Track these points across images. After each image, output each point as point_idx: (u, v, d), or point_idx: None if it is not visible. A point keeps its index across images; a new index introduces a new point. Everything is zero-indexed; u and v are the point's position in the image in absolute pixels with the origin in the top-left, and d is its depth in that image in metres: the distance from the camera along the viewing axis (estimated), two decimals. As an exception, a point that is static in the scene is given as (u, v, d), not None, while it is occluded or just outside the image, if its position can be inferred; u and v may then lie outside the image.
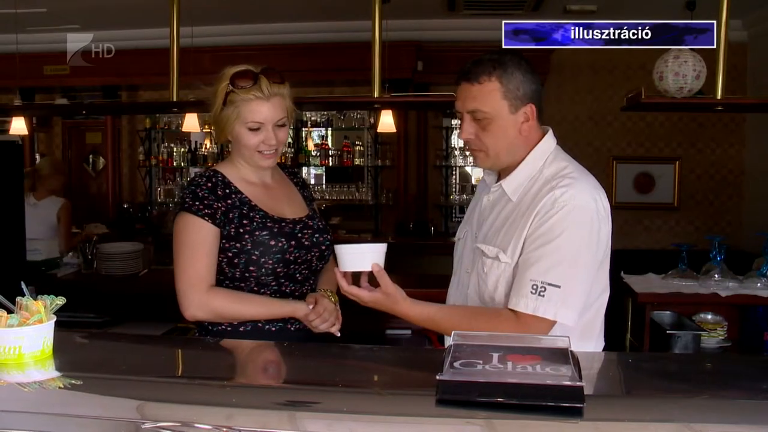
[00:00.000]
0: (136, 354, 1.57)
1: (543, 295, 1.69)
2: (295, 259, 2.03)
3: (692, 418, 1.20)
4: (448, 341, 1.35)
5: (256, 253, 1.99)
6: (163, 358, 1.59)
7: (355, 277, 1.83)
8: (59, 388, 1.30)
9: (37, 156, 7.67)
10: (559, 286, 1.69)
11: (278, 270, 2.01)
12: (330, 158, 7.13)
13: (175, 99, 3.94)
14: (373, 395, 1.32)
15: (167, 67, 3.93)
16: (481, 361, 1.21)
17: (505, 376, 1.15)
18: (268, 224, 2.02)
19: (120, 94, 7.16)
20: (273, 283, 2.01)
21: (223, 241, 2.00)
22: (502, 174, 1.93)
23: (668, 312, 3.64)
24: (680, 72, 3.45)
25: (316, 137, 7.35)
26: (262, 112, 1.98)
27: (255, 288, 2.01)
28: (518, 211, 1.83)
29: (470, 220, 2.04)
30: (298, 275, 2.07)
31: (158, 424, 1.09)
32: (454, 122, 6.96)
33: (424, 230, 6.66)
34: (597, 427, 1.13)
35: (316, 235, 2.10)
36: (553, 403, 1.11)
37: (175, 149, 7.42)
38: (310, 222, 2.12)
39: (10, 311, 1.36)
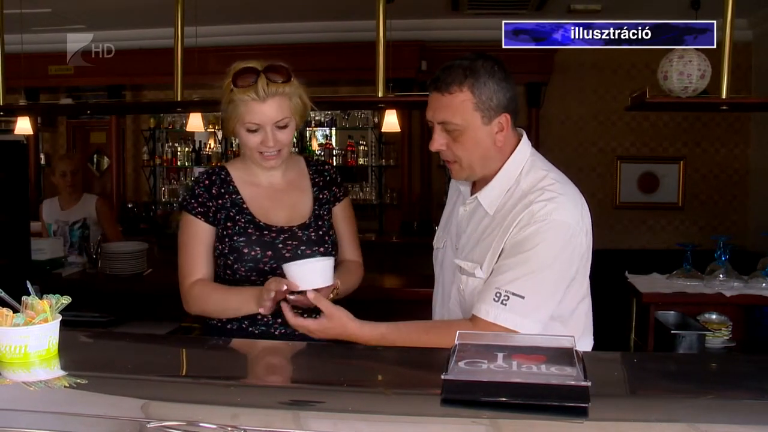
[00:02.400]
0: (141, 353, 1.57)
1: (505, 304, 1.64)
2: (272, 270, 1.96)
3: (698, 418, 1.20)
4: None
5: (231, 258, 1.99)
6: (168, 357, 1.59)
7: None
8: (65, 387, 1.31)
9: (42, 156, 7.69)
10: (523, 297, 1.64)
11: (252, 278, 1.97)
12: (334, 158, 7.13)
13: (179, 99, 3.94)
14: (378, 395, 1.32)
15: (171, 67, 3.93)
16: (485, 361, 1.21)
17: (510, 375, 1.14)
18: (249, 230, 2.00)
19: (124, 94, 7.17)
20: None
21: (216, 240, 2.03)
22: (477, 184, 1.86)
23: (673, 312, 3.63)
24: (685, 71, 3.44)
25: (320, 137, 7.35)
26: (258, 114, 1.93)
27: None
28: (494, 224, 1.76)
29: (448, 229, 1.98)
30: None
31: (164, 423, 1.09)
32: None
33: (428, 230, 6.65)
34: (602, 427, 1.13)
35: (302, 248, 2.01)
36: (558, 403, 1.10)
37: (179, 149, 7.44)
38: (299, 232, 2.03)
39: (15, 310, 1.37)
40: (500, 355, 1.23)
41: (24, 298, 1.37)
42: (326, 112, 7.09)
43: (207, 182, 2.06)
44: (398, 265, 4.69)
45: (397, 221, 6.83)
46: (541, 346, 1.32)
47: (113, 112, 7.06)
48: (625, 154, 6.72)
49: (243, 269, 1.98)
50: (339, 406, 1.21)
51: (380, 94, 3.75)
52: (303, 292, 1.71)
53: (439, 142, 1.79)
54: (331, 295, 1.82)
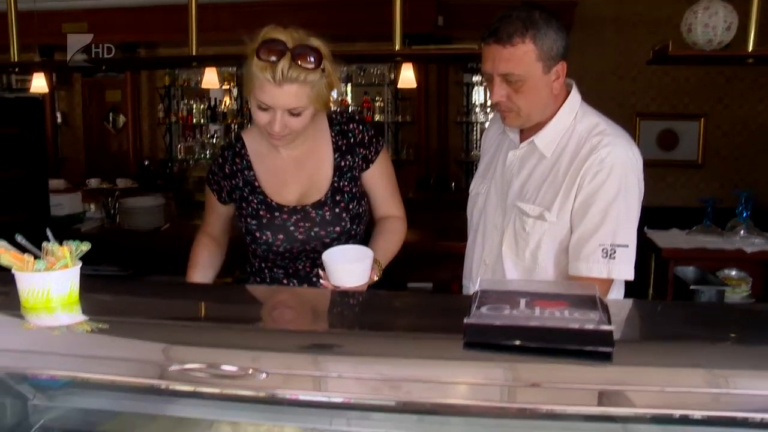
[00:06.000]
0: (161, 300, 1.57)
1: (614, 258, 1.72)
2: (287, 251, 1.96)
3: (718, 364, 1.18)
4: (473, 289, 1.34)
5: (248, 238, 2.00)
6: (188, 303, 1.59)
7: None
8: (87, 331, 1.31)
9: (58, 114, 7.71)
10: (627, 246, 1.73)
11: (271, 257, 1.98)
12: (350, 115, 7.08)
13: (194, 53, 3.90)
14: (400, 338, 1.31)
15: (186, 23, 3.89)
16: (508, 306, 1.19)
17: (533, 320, 1.13)
18: (261, 212, 1.96)
19: (139, 51, 7.13)
20: (278, 268, 2.02)
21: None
22: (526, 131, 1.91)
23: (692, 267, 3.60)
24: (710, 23, 3.35)
25: (335, 94, 7.29)
26: (270, 96, 1.76)
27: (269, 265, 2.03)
28: (558, 168, 1.82)
29: (489, 175, 2.02)
30: (299, 264, 2.00)
31: (185, 366, 1.09)
32: (475, 78, 6.88)
33: (445, 186, 6.64)
34: (625, 372, 1.11)
35: (315, 229, 1.95)
36: (582, 348, 1.09)
37: (194, 106, 7.43)
38: (312, 212, 1.95)
39: (36, 258, 1.37)
40: (523, 301, 1.21)
41: (44, 244, 1.37)
42: (341, 68, 7.01)
43: (220, 160, 2.04)
44: (414, 221, 4.66)
45: (413, 177, 6.81)
46: (563, 293, 1.31)
47: (128, 67, 7.05)
48: (645, 111, 6.63)
49: (260, 250, 1.99)
50: (359, 350, 1.21)
51: (397, 47, 3.71)
52: None
53: (499, 94, 1.81)
54: (375, 278, 1.83)
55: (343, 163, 1.99)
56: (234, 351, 1.19)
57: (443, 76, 6.90)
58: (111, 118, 7.77)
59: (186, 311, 1.53)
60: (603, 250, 1.73)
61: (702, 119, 6.61)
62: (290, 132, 1.84)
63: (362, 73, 7.11)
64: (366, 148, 2.02)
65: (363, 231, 2.06)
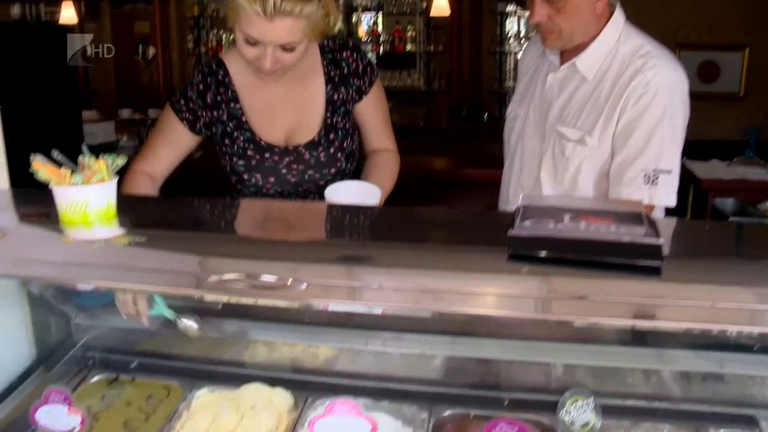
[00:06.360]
0: (198, 213, 1.56)
1: (656, 183, 1.69)
2: (277, 194, 1.85)
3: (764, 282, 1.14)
4: (515, 205, 1.30)
5: (233, 178, 1.86)
6: (224, 218, 1.58)
7: None
8: (125, 244, 1.31)
9: (88, 47, 7.67)
10: (670, 171, 1.70)
11: (260, 197, 1.86)
12: (381, 45, 6.96)
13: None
14: (441, 251, 1.28)
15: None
16: (552, 221, 1.16)
17: (580, 233, 1.10)
18: (249, 152, 1.81)
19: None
20: None
21: (219, 154, 1.88)
22: (566, 53, 1.86)
23: (731, 199, 3.53)
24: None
25: (365, 24, 7.16)
26: (259, 31, 1.59)
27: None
28: (600, 91, 1.77)
29: (528, 98, 1.97)
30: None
31: (223, 277, 1.08)
32: (510, 7, 6.69)
33: (478, 117, 6.52)
34: (672, 288, 1.08)
35: (309, 172, 1.83)
36: (630, 261, 1.06)
37: (224, 36, 7.33)
38: (306, 154, 1.82)
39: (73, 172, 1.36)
40: (567, 216, 1.18)
41: (80, 158, 1.36)
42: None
43: (201, 86, 1.84)
44: (447, 149, 4.61)
45: (445, 108, 6.70)
46: (608, 209, 1.27)
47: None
48: (685, 41, 6.40)
49: (247, 191, 1.86)
50: (400, 262, 1.19)
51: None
52: None
53: (540, 14, 1.75)
54: None
55: (335, 96, 1.86)
56: (273, 263, 1.17)
57: (477, 4, 6.71)
58: (140, 50, 7.72)
59: (222, 225, 1.51)
60: (645, 175, 1.69)
61: (746, 50, 6.36)
62: (282, 67, 1.70)
63: (394, 2, 6.94)
64: (360, 79, 1.88)
65: (354, 167, 1.95)
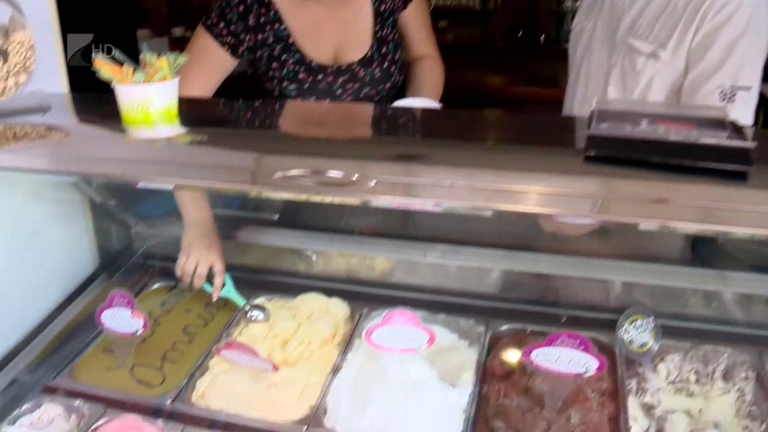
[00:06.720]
0: (259, 114, 1.53)
1: (733, 101, 1.59)
2: None
3: None
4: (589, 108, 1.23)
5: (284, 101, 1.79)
6: (287, 117, 1.54)
7: None
8: (187, 143, 1.29)
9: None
10: (749, 88, 1.59)
11: None
12: (435, -39, 6.71)
13: None
14: (514, 152, 1.23)
15: None
16: (629, 124, 1.10)
17: (661, 135, 1.03)
18: (300, 75, 1.74)
19: None
20: None
21: (264, 79, 1.79)
22: None
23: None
24: None
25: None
26: None
27: None
28: (676, 1, 1.65)
29: (596, 9, 1.86)
30: None
31: (288, 173, 1.06)
32: None
33: (534, 37, 6.30)
34: (761, 197, 1.01)
35: (366, 89, 1.76)
36: (716, 165, 0.99)
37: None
38: (360, 71, 1.75)
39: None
40: (644, 120, 1.11)
41: (141, 55, 1.33)
42: None
43: (242, 7, 1.74)
44: (503, 69, 4.48)
45: (501, 28, 6.48)
46: (688, 115, 1.19)
47: None
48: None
49: None
50: (473, 162, 1.14)
51: None
52: None
53: None
54: None
55: (382, 7, 1.80)
56: (339, 159, 1.14)
57: None
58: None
59: (283, 125, 1.47)
60: (721, 92, 1.59)
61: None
62: None
63: None
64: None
65: (403, 78, 1.91)
